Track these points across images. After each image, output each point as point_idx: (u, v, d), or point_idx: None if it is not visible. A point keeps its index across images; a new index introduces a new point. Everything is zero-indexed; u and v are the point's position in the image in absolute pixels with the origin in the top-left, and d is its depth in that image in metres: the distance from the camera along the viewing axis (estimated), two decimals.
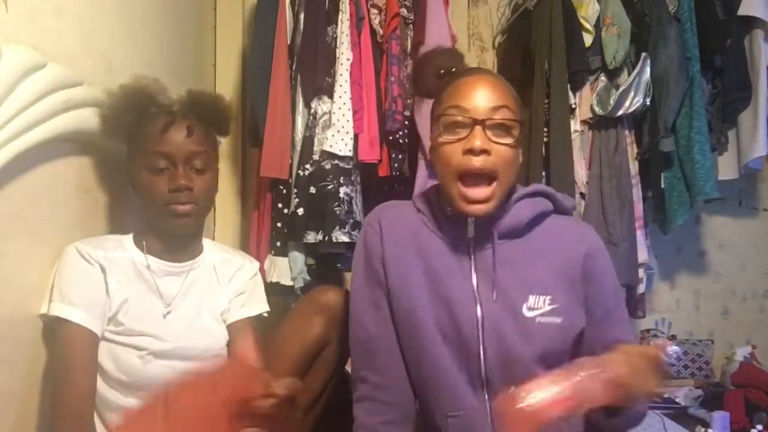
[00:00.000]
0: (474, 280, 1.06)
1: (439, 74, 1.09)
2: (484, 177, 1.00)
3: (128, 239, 1.16)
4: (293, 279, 1.87)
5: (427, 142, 1.86)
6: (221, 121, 1.21)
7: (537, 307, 1.04)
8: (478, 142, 0.98)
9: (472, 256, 1.07)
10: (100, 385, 1.06)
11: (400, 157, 1.92)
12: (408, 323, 1.08)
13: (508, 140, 1.01)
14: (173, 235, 1.15)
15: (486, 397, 1.05)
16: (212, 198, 1.19)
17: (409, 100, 1.92)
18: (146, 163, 1.10)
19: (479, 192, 1.00)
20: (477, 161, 0.98)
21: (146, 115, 1.13)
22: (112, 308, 1.08)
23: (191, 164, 1.12)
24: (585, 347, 1.08)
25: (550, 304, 1.04)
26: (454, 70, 1.09)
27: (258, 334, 1.24)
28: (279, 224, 1.89)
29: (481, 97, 1.01)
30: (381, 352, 1.10)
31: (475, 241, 1.07)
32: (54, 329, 1.04)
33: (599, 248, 1.11)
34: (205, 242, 1.26)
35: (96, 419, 1.06)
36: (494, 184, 1.00)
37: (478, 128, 0.99)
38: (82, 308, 1.03)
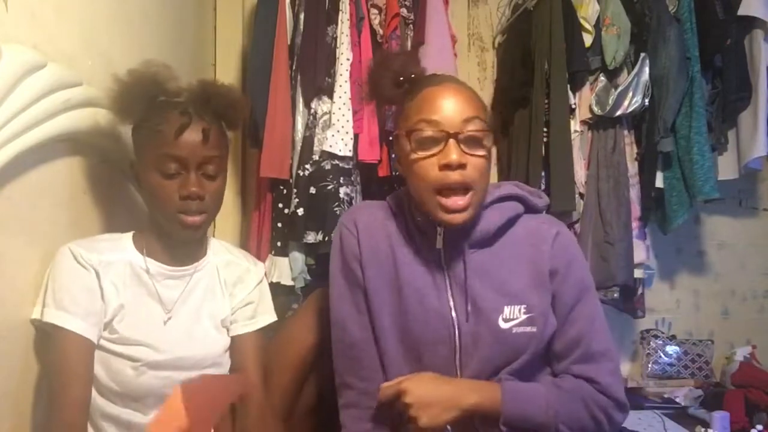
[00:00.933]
0: (449, 294, 1.04)
1: (397, 81, 1.06)
2: (460, 188, 0.98)
3: (127, 239, 1.12)
4: (294, 279, 1.87)
5: None
6: (233, 115, 1.14)
7: (513, 317, 1.03)
8: (454, 156, 0.96)
9: (445, 268, 1.05)
10: (93, 393, 1.03)
11: None
12: (378, 340, 1.07)
13: (481, 152, 0.99)
14: (178, 241, 1.12)
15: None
16: (221, 203, 1.14)
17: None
18: (157, 165, 1.04)
19: (457, 201, 0.98)
20: (454, 176, 0.97)
21: (157, 107, 1.06)
22: (108, 314, 1.04)
23: (204, 170, 1.06)
24: (551, 344, 1.06)
25: (525, 313, 1.03)
26: (413, 76, 1.06)
27: (262, 348, 1.22)
28: (279, 224, 1.89)
29: (452, 109, 0.99)
30: (366, 358, 1.08)
31: (446, 252, 1.05)
32: (48, 333, 1.01)
33: (567, 244, 1.08)
34: (211, 242, 1.21)
35: (90, 429, 1.03)
36: (470, 193, 0.99)
37: (452, 142, 0.97)
38: (77, 315, 1.00)
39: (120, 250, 1.10)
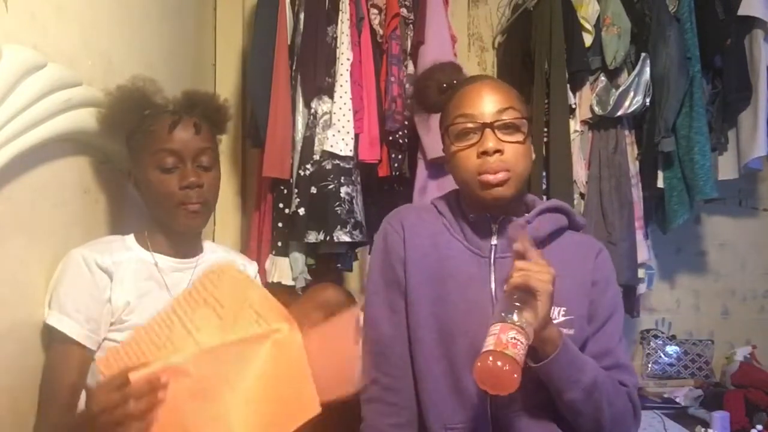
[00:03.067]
0: (492, 286, 1.07)
1: (441, 88, 1.13)
2: (500, 170, 1.04)
3: (130, 239, 1.16)
4: (294, 279, 1.87)
5: (426, 143, 1.86)
6: (220, 119, 1.22)
7: (552, 317, 1.02)
8: (490, 144, 1.02)
9: (493, 264, 1.08)
10: None
11: (399, 157, 1.92)
12: (413, 331, 1.09)
13: (518, 137, 1.05)
14: (182, 233, 1.16)
15: (488, 406, 1.04)
16: (218, 193, 1.20)
17: (409, 101, 1.92)
18: (155, 163, 1.10)
19: (497, 176, 1.03)
20: (492, 161, 1.02)
21: (147, 117, 1.13)
22: (115, 314, 1.07)
23: (199, 161, 1.12)
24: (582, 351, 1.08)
25: (564, 315, 1.05)
26: (455, 82, 1.12)
27: None
28: (280, 224, 1.89)
29: (487, 102, 1.05)
30: (394, 355, 1.10)
31: (497, 249, 1.09)
32: (50, 335, 1.03)
33: (608, 261, 1.15)
34: (205, 242, 1.27)
35: None
36: (509, 171, 1.04)
37: (488, 131, 1.03)
38: (77, 321, 1.02)
39: (126, 249, 1.13)
